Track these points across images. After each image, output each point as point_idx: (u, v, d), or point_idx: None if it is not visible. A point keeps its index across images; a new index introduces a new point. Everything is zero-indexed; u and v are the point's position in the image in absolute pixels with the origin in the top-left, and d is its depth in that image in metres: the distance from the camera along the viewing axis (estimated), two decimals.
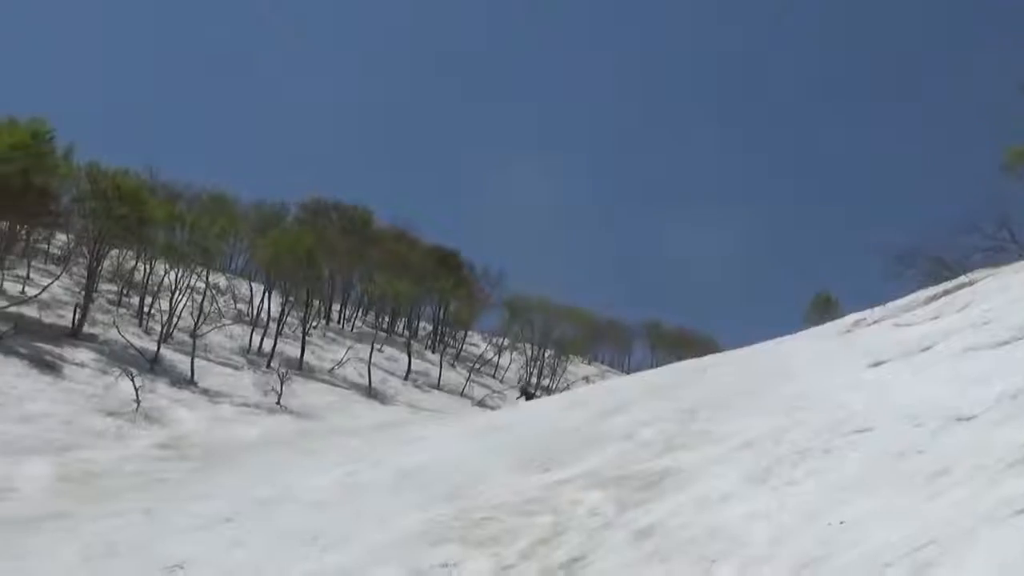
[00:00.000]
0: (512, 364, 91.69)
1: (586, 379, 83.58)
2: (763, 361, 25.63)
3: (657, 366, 63.23)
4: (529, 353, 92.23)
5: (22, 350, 42.62)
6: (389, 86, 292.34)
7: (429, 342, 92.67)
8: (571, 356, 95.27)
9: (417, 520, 16.08)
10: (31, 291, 53.22)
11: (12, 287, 54.55)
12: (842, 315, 32.07)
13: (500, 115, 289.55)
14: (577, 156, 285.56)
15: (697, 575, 9.69)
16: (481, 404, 69.10)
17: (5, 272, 53.03)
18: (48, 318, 50.19)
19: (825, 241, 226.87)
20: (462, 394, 73.62)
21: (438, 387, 73.27)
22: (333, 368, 65.30)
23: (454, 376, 79.40)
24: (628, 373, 78.92)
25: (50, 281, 54.13)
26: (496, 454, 21.67)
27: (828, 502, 10.50)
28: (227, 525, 22.58)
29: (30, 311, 48.86)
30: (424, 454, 27.62)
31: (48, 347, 44.91)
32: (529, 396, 48.58)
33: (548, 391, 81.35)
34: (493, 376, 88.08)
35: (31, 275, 60.22)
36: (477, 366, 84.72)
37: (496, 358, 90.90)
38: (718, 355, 31.95)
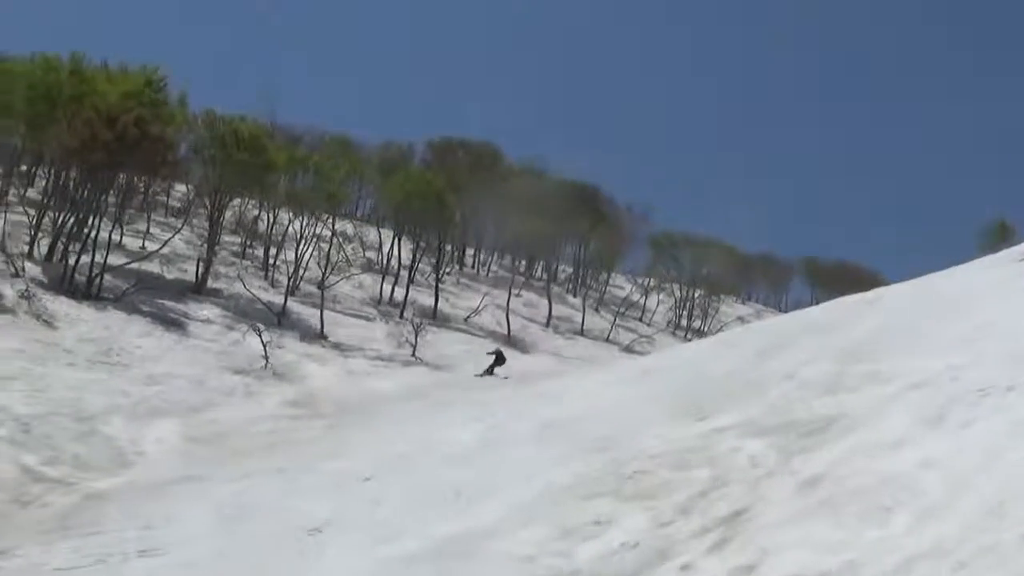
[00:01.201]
0: (660, 306, 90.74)
1: (740, 320, 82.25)
2: (934, 293, 24.42)
3: (817, 303, 61.68)
4: (678, 294, 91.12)
5: (145, 308, 43.55)
6: (513, 10, 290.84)
7: (570, 285, 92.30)
8: (723, 295, 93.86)
9: (565, 474, 15.79)
10: (152, 246, 54.42)
11: (132, 242, 55.79)
12: (1019, 243, 30.31)
13: (642, 34, 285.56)
14: (728, 75, 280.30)
15: (871, 528, 9.07)
16: (628, 350, 68.60)
17: (124, 227, 54.15)
18: (170, 273, 51.35)
19: (1001, 165, 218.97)
20: (607, 340, 73.08)
21: (581, 333, 72.84)
22: (469, 316, 65.47)
23: (598, 321, 78.84)
24: (786, 312, 77.25)
25: (171, 235, 55.29)
26: (647, 402, 21.19)
27: (1013, 444, 9.68)
28: (365, 484, 22.61)
29: (151, 267, 49.98)
30: (570, 404, 27.23)
31: (172, 304, 45.87)
32: (499, 360, 45.60)
33: (700, 333, 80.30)
34: (640, 320, 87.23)
35: (151, 229, 61.61)
36: (622, 310, 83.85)
37: (643, 300, 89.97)
38: (883, 289, 30.55)
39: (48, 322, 38.00)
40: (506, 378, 43.39)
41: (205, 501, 24.37)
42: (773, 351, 22.04)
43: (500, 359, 45.43)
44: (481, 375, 44.72)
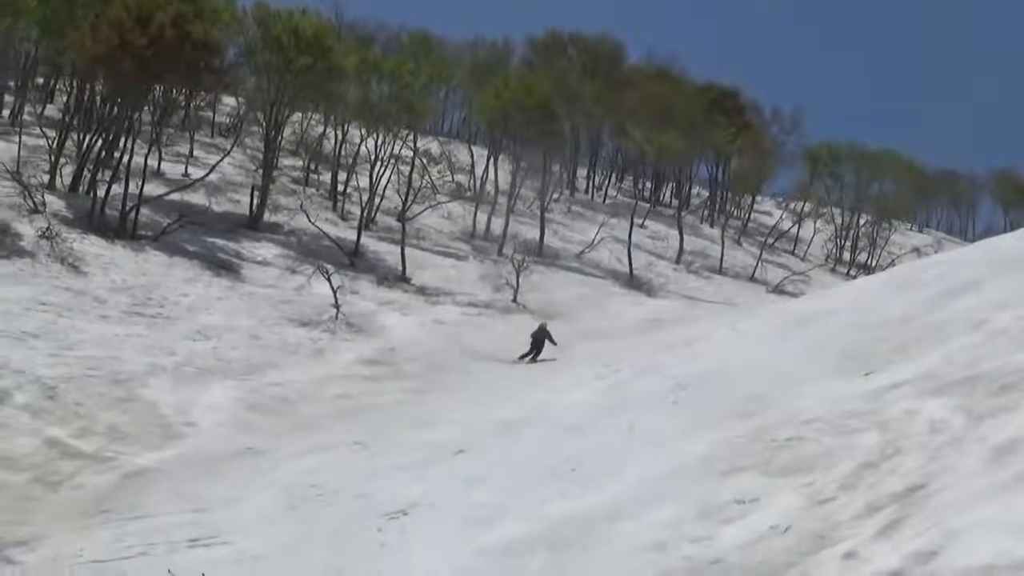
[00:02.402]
0: (816, 236, 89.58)
1: (916, 251, 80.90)
2: None
3: (1011, 229, 60.07)
4: (839, 220, 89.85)
5: (190, 247, 43.94)
6: None
7: (705, 213, 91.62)
8: (895, 222, 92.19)
9: (703, 443, 15.60)
10: (196, 173, 54.91)
11: (173, 168, 56.40)
12: None
13: None
14: None
15: None
16: (778, 290, 67.90)
17: (163, 150, 54.63)
18: (220, 205, 51.79)
19: None
20: (752, 278, 72.47)
21: (720, 271, 72.30)
22: (583, 252, 65.24)
23: (740, 256, 78.19)
24: (972, 241, 75.61)
25: (219, 158, 55.65)
26: (802, 355, 20.92)
27: None
28: (460, 458, 22.62)
29: (197, 198, 50.42)
30: (707, 359, 27.01)
31: (222, 242, 46.29)
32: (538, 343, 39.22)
33: (866, 268, 79.15)
34: (792, 253, 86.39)
35: (195, 152, 62.22)
36: (770, 241, 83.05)
37: (795, 229, 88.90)
38: None
39: (75, 266, 38.45)
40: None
41: (268, 481, 24.54)
42: (958, 291, 21.55)
43: (540, 343, 39.56)
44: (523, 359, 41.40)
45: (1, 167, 44.87)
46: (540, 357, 38.32)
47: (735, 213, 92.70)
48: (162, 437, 28.36)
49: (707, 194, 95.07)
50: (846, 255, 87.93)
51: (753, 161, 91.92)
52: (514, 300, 48.89)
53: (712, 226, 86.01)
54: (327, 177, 63.64)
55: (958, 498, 9.87)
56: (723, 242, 75.99)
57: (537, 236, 62.98)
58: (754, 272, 73.57)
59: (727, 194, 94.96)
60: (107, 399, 29.39)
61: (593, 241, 66.20)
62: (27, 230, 39.47)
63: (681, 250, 72.09)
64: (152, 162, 49.83)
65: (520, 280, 49.76)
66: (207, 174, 52.73)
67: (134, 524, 22.52)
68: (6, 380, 26.30)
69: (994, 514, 9.01)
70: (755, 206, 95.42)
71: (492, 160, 69.70)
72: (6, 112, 60.03)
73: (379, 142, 58.10)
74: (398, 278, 48.74)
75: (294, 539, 19.31)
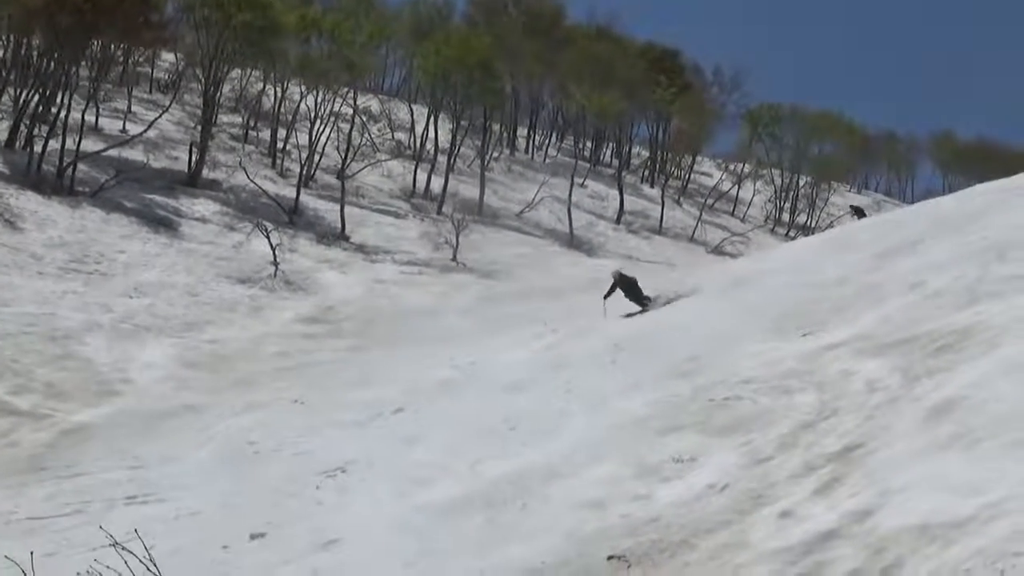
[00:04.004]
0: (756, 197, 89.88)
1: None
2: None
3: (950, 191, 60.57)
4: (778, 182, 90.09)
5: (128, 204, 43.64)
6: None
7: (646, 173, 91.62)
8: (834, 183, 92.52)
9: (640, 403, 15.77)
10: (134, 128, 54.41)
11: (111, 124, 55.91)
12: None
13: None
14: None
15: (1016, 464, 8.89)
16: (718, 251, 68.19)
17: (100, 106, 54.17)
18: (158, 162, 51.31)
19: None
20: (692, 239, 72.70)
21: (660, 231, 72.46)
22: (523, 211, 65.19)
23: (680, 216, 78.37)
24: (912, 203, 76.15)
25: (157, 115, 55.21)
26: (741, 315, 21.10)
27: None
28: (398, 416, 22.69)
29: (135, 154, 50.02)
30: (645, 319, 27.15)
31: (160, 199, 45.97)
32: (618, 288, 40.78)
33: (805, 230, 79.63)
34: (732, 214, 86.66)
35: (133, 108, 61.62)
36: (710, 202, 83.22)
37: (735, 190, 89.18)
38: None
39: (10, 222, 38.15)
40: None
41: (206, 438, 24.54)
42: (896, 252, 21.81)
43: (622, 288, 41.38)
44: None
45: None
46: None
47: (675, 173, 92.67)
48: (99, 394, 28.24)
49: (647, 154, 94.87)
50: (785, 216, 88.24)
51: (693, 122, 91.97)
52: (454, 259, 48.86)
53: (652, 186, 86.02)
54: (266, 134, 63.17)
55: (894, 457, 10.13)
56: (663, 202, 76.09)
57: (477, 195, 62.77)
58: (694, 233, 73.77)
59: (667, 154, 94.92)
60: (43, 356, 29.25)
61: (533, 200, 66.11)
62: None
63: (621, 210, 72.14)
64: (90, 118, 49.35)
65: (460, 239, 49.74)
66: (145, 130, 52.27)
67: (70, 481, 22.46)
68: None
69: (929, 473, 9.30)
70: (695, 167, 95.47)
71: (432, 118, 69.59)
72: None
73: (319, 99, 57.82)
74: (337, 236, 48.65)
75: (232, 496, 19.35)
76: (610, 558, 10.35)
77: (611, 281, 29.56)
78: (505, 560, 11.42)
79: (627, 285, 29.07)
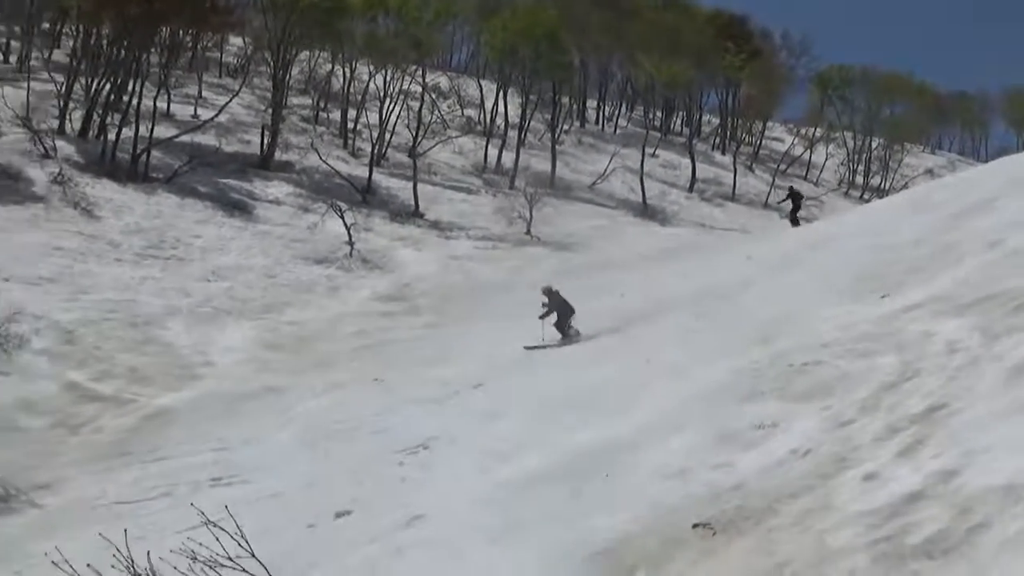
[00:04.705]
0: (829, 161, 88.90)
1: (929, 173, 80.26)
2: None
3: None
4: (850, 145, 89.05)
5: (202, 188, 43.78)
6: None
7: (717, 140, 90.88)
8: (907, 144, 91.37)
9: (720, 371, 15.37)
10: (206, 114, 54.53)
11: (182, 110, 56.10)
12: None
13: None
14: None
15: None
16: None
17: (171, 92, 54.36)
18: (230, 146, 51.52)
19: None
20: (765, 205, 71.97)
21: (733, 198, 71.86)
22: (595, 183, 64.87)
23: (753, 182, 77.68)
24: (986, 162, 74.97)
25: (228, 99, 55.28)
26: (816, 279, 20.81)
27: None
28: (478, 392, 22.58)
29: (207, 139, 50.16)
30: (716, 287, 26.84)
31: (234, 182, 46.10)
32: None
33: (879, 192, 78.69)
34: (804, 178, 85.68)
35: (203, 93, 61.78)
36: (782, 167, 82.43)
37: (807, 154, 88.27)
38: None
39: (88, 211, 38.39)
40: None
41: (287, 419, 24.58)
42: (971, 211, 21.35)
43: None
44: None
45: (11, 113, 44.77)
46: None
47: (747, 140, 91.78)
48: (181, 378, 28.40)
49: (718, 121, 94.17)
50: (859, 179, 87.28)
51: (763, 87, 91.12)
52: (527, 233, 48.65)
53: (724, 153, 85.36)
54: (337, 115, 63.23)
55: (977, 418, 9.75)
56: (735, 169, 75.50)
57: (549, 168, 62.44)
58: (767, 199, 73.09)
59: (738, 121, 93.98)
60: (125, 342, 29.43)
61: (605, 172, 65.78)
62: (39, 175, 39.38)
63: (693, 178, 71.64)
64: (161, 104, 49.62)
65: (533, 213, 49.49)
66: (216, 115, 52.41)
67: (155, 465, 22.61)
68: (24, 325, 26.28)
69: (1013, 433, 8.96)
70: (766, 132, 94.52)
71: (501, 94, 69.30)
72: (13, 58, 59.74)
73: (388, 78, 57.73)
74: (411, 214, 48.56)
75: (315, 475, 19.35)
76: (695, 526, 10.03)
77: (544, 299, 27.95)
78: (590, 531, 11.03)
79: (557, 305, 27.22)
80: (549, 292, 27.32)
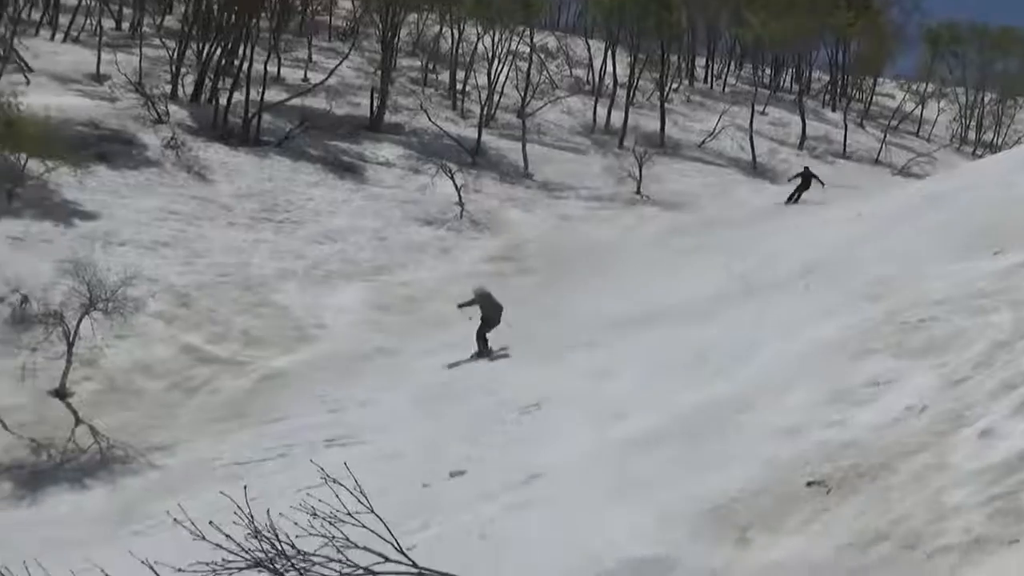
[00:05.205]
0: (940, 116, 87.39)
1: None
2: None
3: None
4: (963, 100, 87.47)
5: (313, 151, 43.89)
6: None
7: (827, 97, 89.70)
8: (1021, 99, 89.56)
9: (832, 328, 15.56)
10: (315, 77, 54.72)
11: (292, 74, 56.31)
12: None
13: None
14: None
15: None
16: (904, 173, 66.43)
17: (282, 55, 54.56)
18: (340, 108, 51.50)
19: None
20: (876, 162, 70.89)
21: (844, 155, 70.79)
22: (704, 141, 64.15)
23: (863, 139, 76.47)
24: None
25: (337, 62, 55.40)
26: (929, 236, 20.79)
27: None
28: (588, 352, 22.60)
29: (317, 102, 50.27)
30: (834, 242, 26.60)
31: (344, 145, 46.17)
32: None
33: (992, 147, 77.22)
34: (916, 134, 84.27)
35: (313, 57, 61.98)
36: (893, 123, 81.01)
37: (919, 110, 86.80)
38: None
39: (201, 175, 38.65)
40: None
41: (401, 379, 24.62)
42: None
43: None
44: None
45: (124, 79, 45.19)
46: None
47: (857, 96, 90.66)
48: (295, 340, 28.63)
49: (827, 78, 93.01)
50: (971, 135, 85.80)
51: (873, 43, 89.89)
52: (637, 192, 48.20)
53: (834, 110, 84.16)
54: (445, 76, 63.12)
55: None
56: (846, 126, 74.42)
57: (658, 127, 61.84)
58: (878, 155, 71.96)
59: (848, 77, 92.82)
60: (239, 304, 29.67)
61: (714, 130, 65.00)
62: (152, 140, 39.68)
63: (803, 136, 70.64)
64: (272, 68, 49.68)
65: (643, 172, 49.02)
66: (326, 78, 52.54)
67: (271, 427, 22.80)
68: (140, 289, 26.46)
69: None
70: (877, 88, 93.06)
71: (610, 53, 68.76)
72: (125, 25, 60.38)
73: (496, 39, 57.55)
74: (520, 174, 48.34)
75: (429, 435, 19.41)
76: (809, 484, 10.08)
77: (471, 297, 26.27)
78: (705, 489, 11.14)
79: (486, 309, 25.75)
80: (480, 293, 25.86)
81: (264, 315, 29.52)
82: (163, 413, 24.01)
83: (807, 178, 45.69)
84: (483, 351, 25.21)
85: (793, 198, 45.28)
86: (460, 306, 25.76)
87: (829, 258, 23.67)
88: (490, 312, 25.24)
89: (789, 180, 48.26)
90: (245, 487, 7.29)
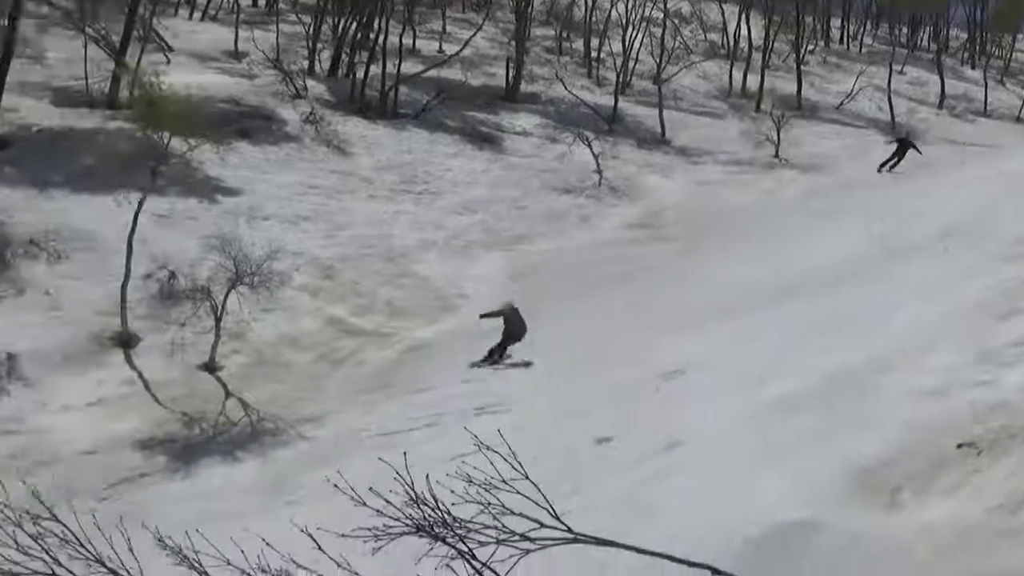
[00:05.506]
0: None
1: None
2: None
3: None
4: None
5: (450, 122, 43.85)
6: None
7: (965, 55, 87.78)
8: None
9: (974, 289, 15.62)
10: (450, 48, 54.67)
11: (427, 45, 56.34)
12: None
13: None
14: None
15: None
16: None
17: (416, 28, 54.65)
18: (475, 79, 51.52)
19: None
20: (1018, 119, 69.17)
21: (984, 113, 69.10)
22: (841, 103, 63.05)
23: (1004, 96, 74.62)
24: None
25: (472, 33, 55.35)
26: None
27: None
28: (729, 317, 22.58)
29: (452, 73, 50.27)
30: (975, 204, 26.13)
31: (481, 115, 46.12)
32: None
33: None
34: None
35: (447, 28, 61.98)
36: None
37: None
38: None
39: (340, 148, 38.79)
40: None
41: (544, 348, 24.47)
42: None
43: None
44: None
45: (262, 55, 45.69)
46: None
47: (996, 53, 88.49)
48: (438, 310, 28.69)
49: (966, 36, 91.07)
50: None
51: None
52: (775, 155, 47.47)
53: (973, 68, 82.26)
54: (580, 45, 62.71)
55: None
56: (986, 83, 72.75)
57: (794, 90, 60.90)
58: (1020, 113, 70.21)
59: (986, 34, 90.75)
60: (383, 276, 29.79)
61: (851, 91, 63.87)
62: (291, 116, 39.93)
63: (943, 94, 69.17)
64: (407, 41, 49.72)
65: (780, 135, 48.23)
66: (461, 49, 52.37)
67: (417, 397, 22.80)
68: (284, 263, 26.61)
69: None
70: (1016, 45, 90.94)
71: (743, 16, 68.05)
72: (262, 2, 61.07)
73: (629, 5, 57.14)
74: (658, 140, 47.91)
75: (575, 402, 19.36)
76: (960, 446, 10.02)
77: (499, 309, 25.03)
78: (849, 453, 11.08)
79: (511, 324, 24.56)
80: (508, 309, 24.78)
81: (406, 286, 29.57)
82: (311, 385, 24.13)
83: (904, 146, 44.37)
84: (494, 358, 24.27)
85: (888, 165, 43.95)
86: (483, 316, 24.87)
87: (968, 219, 23.36)
88: (513, 329, 24.23)
89: (886, 144, 46.73)
90: (405, 453, 7.12)
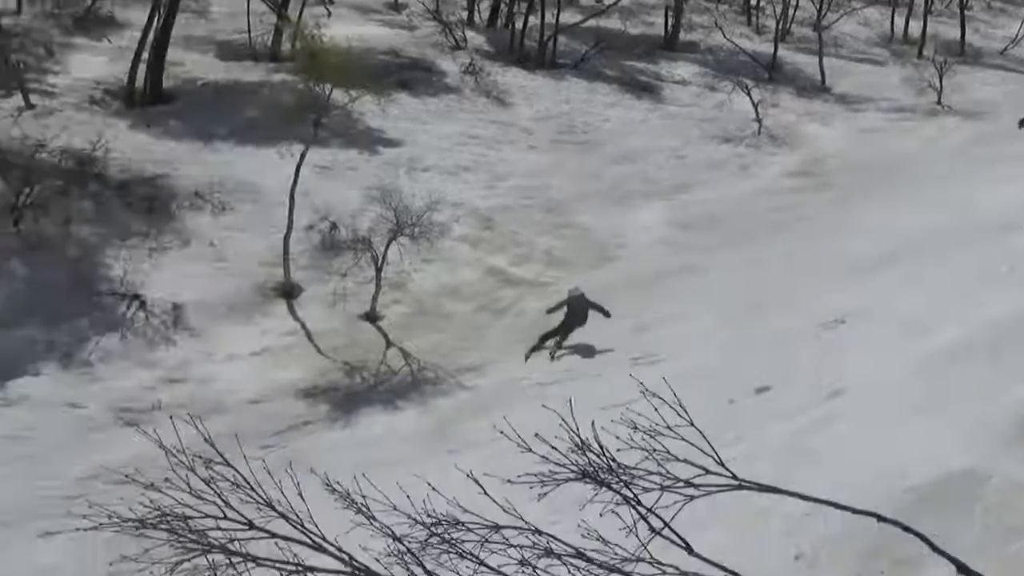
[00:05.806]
0: None
1: None
2: None
3: None
4: None
5: (609, 72, 43.47)
6: None
7: None
8: None
9: None
10: None
11: None
12: None
13: None
14: None
15: None
16: None
17: None
18: (634, 28, 51.03)
19: None
20: None
21: None
22: (1006, 48, 61.04)
23: None
24: None
25: None
26: None
27: None
28: (890, 266, 22.24)
29: (611, 22, 49.89)
30: None
31: (640, 65, 45.59)
32: None
33: None
34: None
35: None
36: None
37: None
38: None
39: (499, 99, 38.72)
40: None
41: (704, 297, 24.29)
42: None
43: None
44: None
45: (422, 7, 45.81)
46: None
47: None
48: (596, 260, 28.54)
49: None
50: None
51: None
52: (938, 102, 46.11)
53: None
54: None
55: None
56: None
57: (957, 35, 59.08)
58: None
59: None
60: (542, 226, 29.66)
61: (1017, 36, 61.73)
62: (451, 67, 39.96)
63: None
64: None
65: (943, 81, 46.83)
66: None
67: (577, 346, 22.59)
68: (444, 213, 26.60)
69: None
70: None
71: None
72: None
73: None
74: (818, 88, 46.89)
75: (733, 352, 19.46)
76: None
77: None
78: (1014, 402, 11.00)
79: (574, 311, 22.97)
80: (573, 296, 23.19)
81: (566, 236, 29.38)
82: (472, 335, 24.11)
83: None
84: (550, 346, 22.94)
85: None
86: (549, 311, 23.44)
87: None
88: (573, 318, 22.86)
89: None
90: (571, 400, 7.00)
